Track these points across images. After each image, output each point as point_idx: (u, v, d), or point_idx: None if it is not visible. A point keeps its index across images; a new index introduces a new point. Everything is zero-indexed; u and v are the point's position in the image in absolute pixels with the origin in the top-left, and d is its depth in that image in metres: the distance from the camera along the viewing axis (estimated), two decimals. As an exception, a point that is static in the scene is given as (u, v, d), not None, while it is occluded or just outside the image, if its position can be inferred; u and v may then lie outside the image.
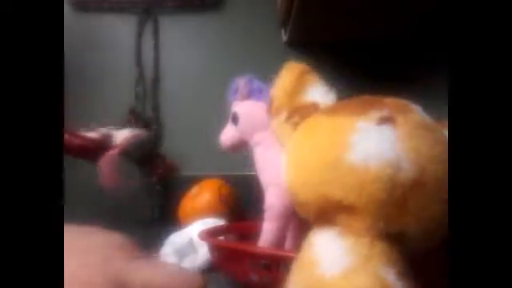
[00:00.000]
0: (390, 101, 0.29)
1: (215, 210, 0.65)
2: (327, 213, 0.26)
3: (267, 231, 0.36)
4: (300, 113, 0.32)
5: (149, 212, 0.93)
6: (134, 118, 0.91)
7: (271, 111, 0.34)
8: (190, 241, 0.45)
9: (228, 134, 0.41)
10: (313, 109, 0.32)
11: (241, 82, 0.41)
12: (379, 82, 0.90)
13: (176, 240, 0.47)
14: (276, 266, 0.31)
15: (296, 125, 0.31)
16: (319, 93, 0.34)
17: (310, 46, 0.93)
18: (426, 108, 0.30)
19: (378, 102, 0.29)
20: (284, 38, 0.93)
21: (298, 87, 0.33)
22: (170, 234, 0.49)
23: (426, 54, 0.86)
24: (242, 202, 0.75)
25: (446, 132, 0.27)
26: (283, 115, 0.32)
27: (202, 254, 0.44)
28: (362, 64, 0.93)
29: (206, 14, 0.96)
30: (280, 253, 0.33)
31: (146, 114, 0.94)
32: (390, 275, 0.23)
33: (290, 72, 0.34)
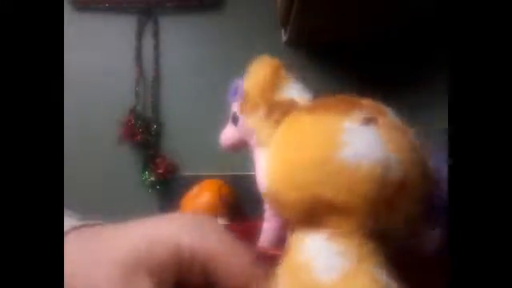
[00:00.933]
0: (366, 102, 0.29)
1: (215, 210, 0.65)
2: (315, 214, 0.26)
3: (267, 231, 0.36)
4: (280, 109, 0.31)
5: (149, 212, 0.92)
6: (134, 117, 0.91)
7: (246, 108, 0.32)
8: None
9: (228, 134, 0.41)
10: (292, 106, 0.31)
11: (241, 83, 0.41)
12: (379, 82, 0.90)
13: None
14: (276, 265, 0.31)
15: (277, 122, 0.30)
16: (295, 89, 0.33)
17: (309, 46, 0.93)
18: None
19: (357, 102, 0.29)
20: (284, 38, 0.93)
21: (273, 83, 0.32)
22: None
23: (426, 54, 0.86)
24: (241, 201, 0.75)
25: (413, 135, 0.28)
26: (261, 112, 0.31)
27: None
28: (361, 64, 0.93)
29: (205, 14, 0.96)
30: (280, 253, 0.33)
31: (146, 113, 0.94)
32: (383, 276, 0.23)
33: (264, 67, 0.33)
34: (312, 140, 0.26)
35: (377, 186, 0.24)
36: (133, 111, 0.92)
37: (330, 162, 0.25)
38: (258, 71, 0.32)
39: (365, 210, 0.24)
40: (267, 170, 0.28)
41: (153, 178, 0.90)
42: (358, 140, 0.25)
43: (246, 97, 0.32)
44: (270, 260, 0.31)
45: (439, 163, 0.43)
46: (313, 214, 0.26)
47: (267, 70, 0.32)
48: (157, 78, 0.95)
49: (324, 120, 0.27)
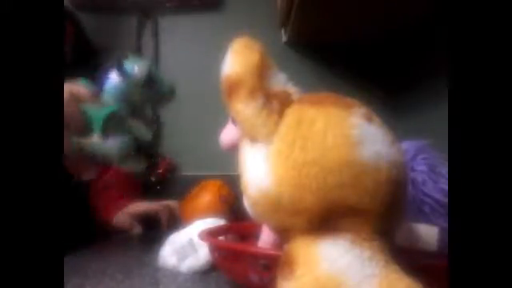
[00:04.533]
0: (350, 98, 0.28)
1: (215, 210, 0.65)
2: (332, 218, 0.24)
3: (267, 231, 0.36)
4: (279, 99, 0.27)
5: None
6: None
7: (243, 95, 0.27)
8: (190, 241, 0.45)
9: (228, 134, 0.41)
10: (288, 97, 0.28)
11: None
12: (379, 82, 0.90)
13: (176, 240, 0.46)
14: (276, 266, 0.31)
15: (276, 112, 0.27)
16: (282, 79, 0.29)
17: (309, 47, 0.94)
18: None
19: (345, 97, 0.28)
20: (284, 38, 0.93)
21: (266, 69, 0.28)
22: (170, 233, 0.49)
23: (426, 54, 0.86)
24: (241, 202, 0.75)
25: None
26: (260, 101, 0.27)
27: (203, 253, 0.44)
28: (361, 64, 0.93)
29: (205, 14, 0.96)
30: (280, 253, 0.33)
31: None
32: (402, 272, 0.23)
33: (252, 51, 0.28)
34: (329, 139, 0.24)
35: (393, 187, 0.24)
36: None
37: (352, 163, 0.23)
38: (247, 55, 0.28)
39: (383, 211, 0.24)
40: (270, 170, 0.26)
41: (153, 178, 0.90)
42: (370, 138, 0.25)
43: (240, 83, 0.27)
44: (270, 260, 0.31)
45: (418, 164, 0.43)
46: (329, 218, 0.24)
47: (258, 55, 0.28)
48: (157, 78, 0.95)
49: (333, 115, 0.25)
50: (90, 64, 0.84)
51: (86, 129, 0.51)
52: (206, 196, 0.69)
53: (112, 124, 0.53)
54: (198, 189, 0.72)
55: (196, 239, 0.44)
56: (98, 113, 0.52)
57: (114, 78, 0.56)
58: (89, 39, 0.87)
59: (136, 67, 0.56)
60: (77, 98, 0.50)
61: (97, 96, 0.53)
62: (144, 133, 0.58)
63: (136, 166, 0.56)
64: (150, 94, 0.60)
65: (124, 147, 0.54)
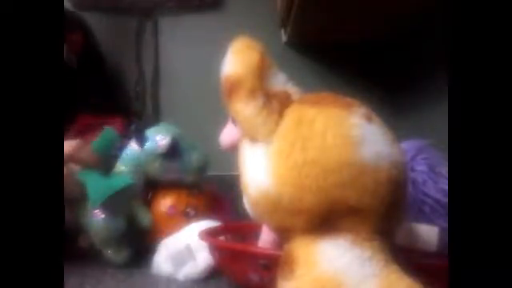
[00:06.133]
0: (350, 98, 0.29)
1: (188, 220, 0.54)
2: (332, 218, 0.24)
3: (267, 231, 0.36)
4: (279, 99, 0.27)
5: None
6: (134, 117, 0.92)
7: (243, 95, 0.27)
8: (188, 246, 0.42)
9: (228, 134, 0.41)
10: (288, 97, 0.28)
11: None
12: (379, 83, 0.90)
13: (171, 245, 0.43)
14: (276, 265, 0.31)
15: (276, 112, 0.27)
16: (281, 79, 0.29)
17: (309, 47, 0.93)
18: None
19: (345, 97, 0.29)
20: (284, 38, 0.93)
21: (266, 69, 0.28)
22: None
23: (425, 54, 0.86)
24: (241, 202, 0.75)
25: None
26: (260, 101, 0.27)
27: (201, 260, 0.42)
28: (361, 65, 0.93)
29: (205, 14, 0.96)
30: (280, 253, 0.33)
31: (146, 113, 0.94)
32: (402, 272, 0.23)
33: (252, 50, 0.28)
34: (329, 139, 0.24)
35: (394, 187, 0.24)
36: (133, 111, 0.92)
37: (352, 163, 0.23)
38: (247, 55, 0.28)
39: (383, 211, 0.24)
40: (270, 170, 0.26)
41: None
42: (370, 138, 0.25)
43: (240, 83, 0.27)
44: (270, 260, 0.31)
45: (418, 164, 0.43)
46: (329, 218, 0.24)
47: (258, 54, 0.28)
48: (157, 78, 0.95)
49: (332, 115, 0.26)
50: (97, 71, 0.82)
51: (80, 198, 0.44)
52: (175, 217, 0.55)
53: (116, 201, 0.45)
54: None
55: (194, 244, 0.42)
56: (101, 183, 0.44)
57: (131, 147, 0.50)
58: (98, 47, 0.84)
59: (158, 137, 0.51)
60: (76, 160, 0.44)
61: (100, 160, 0.46)
62: (144, 220, 0.50)
63: (116, 257, 0.47)
64: (172, 168, 0.53)
65: (118, 231, 0.46)
